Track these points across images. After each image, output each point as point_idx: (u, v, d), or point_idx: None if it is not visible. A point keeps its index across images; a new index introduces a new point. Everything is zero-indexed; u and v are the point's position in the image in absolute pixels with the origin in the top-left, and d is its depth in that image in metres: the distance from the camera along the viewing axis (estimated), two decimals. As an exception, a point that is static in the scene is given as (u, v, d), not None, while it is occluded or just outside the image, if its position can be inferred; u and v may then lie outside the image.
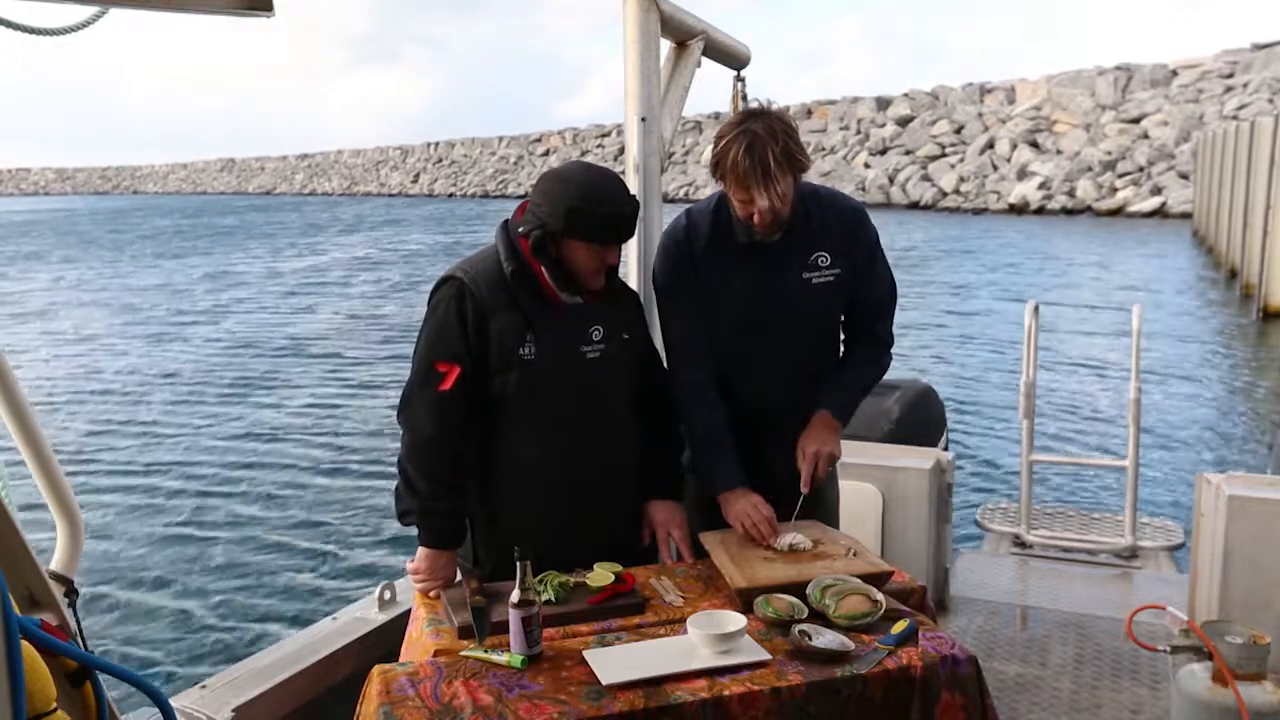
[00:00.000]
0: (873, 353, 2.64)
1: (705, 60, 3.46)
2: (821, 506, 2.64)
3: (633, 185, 3.07)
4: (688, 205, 2.62)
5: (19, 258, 37.61)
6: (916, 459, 3.78)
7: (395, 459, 2.39)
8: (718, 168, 2.36)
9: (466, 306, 2.28)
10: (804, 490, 2.46)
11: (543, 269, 2.30)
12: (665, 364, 2.62)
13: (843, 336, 2.67)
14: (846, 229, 2.53)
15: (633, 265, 3.09)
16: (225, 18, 1.90)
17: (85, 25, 1.75)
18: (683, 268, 2.53)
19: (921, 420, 4.87)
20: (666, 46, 3.30)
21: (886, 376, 2.77)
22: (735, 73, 3.68)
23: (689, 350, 2.54)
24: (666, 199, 3.29)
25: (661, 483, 2.52)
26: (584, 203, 2.22)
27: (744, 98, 3.63)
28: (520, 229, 2.31)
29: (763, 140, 2.27)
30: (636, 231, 3.03)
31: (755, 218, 2.36)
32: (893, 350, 2.68)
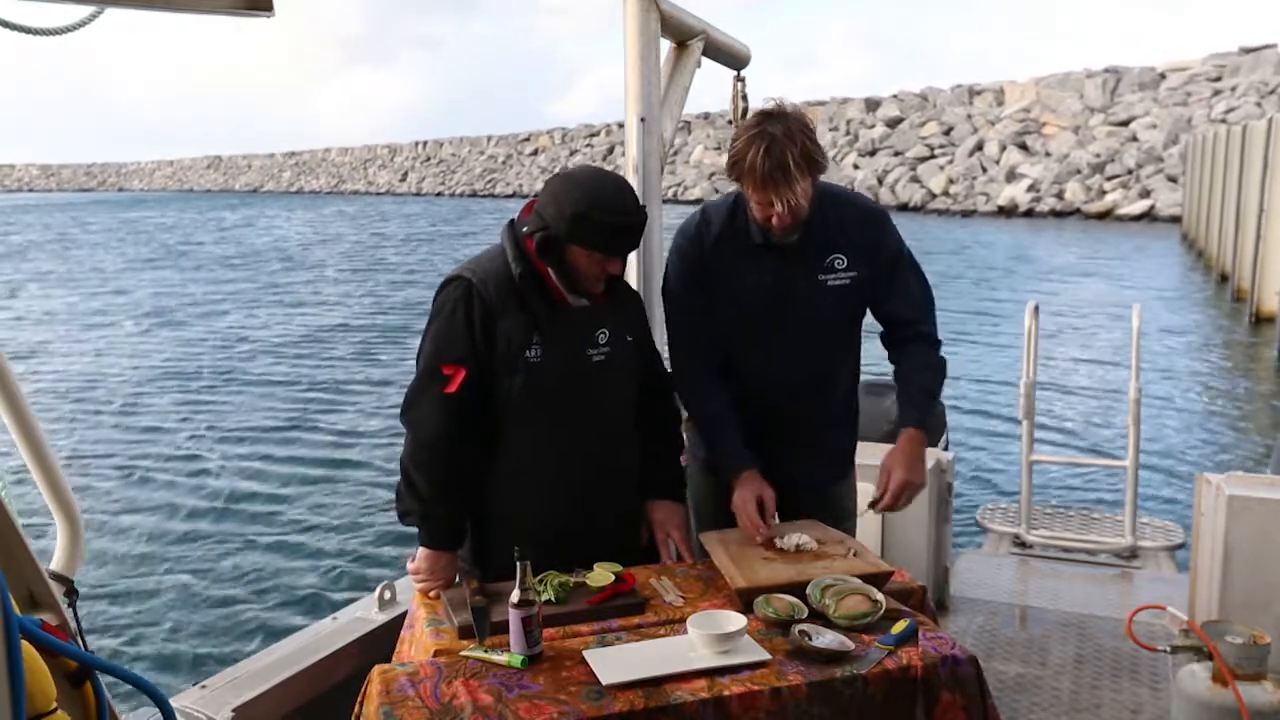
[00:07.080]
0: (927, 355, 2.60)
1: (705, 60, 3.46)
2: (838, 512, 2.66)
3: (632, 185, 3.06)
4: (677, 205, 2.61)
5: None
6: (916, 459, 3.77)
7: (396, 459, 2.38)
8: (735, 168, 2.35)
9: (474, 308, 2.26)
10: (875, 512, 2.47)
11: (549, 271, 2.29)
12: (668, 359, 2.63)
13: (889, 343, 2.64)
14: (868, 233, 2.51)
15: (632, 264, 3.08)
16: (225, 18, 1.89)
17: (82, 25, 1.75)
18: (692, 264, 2.53)
19: (921, 420, 4.86)
20: (666, 46, 3.30)
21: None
22: (735, 72, 3.68)
23: (693, 345, 2.55)
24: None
25: (661, 483, 2.52)
26: (590, 209, 2.19)
27: (744, 97, 3.63)
28: (525, 229, 2.29)
29: (781, 142, 2.26)
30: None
31: (774, 220, 2.36)
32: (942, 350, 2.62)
